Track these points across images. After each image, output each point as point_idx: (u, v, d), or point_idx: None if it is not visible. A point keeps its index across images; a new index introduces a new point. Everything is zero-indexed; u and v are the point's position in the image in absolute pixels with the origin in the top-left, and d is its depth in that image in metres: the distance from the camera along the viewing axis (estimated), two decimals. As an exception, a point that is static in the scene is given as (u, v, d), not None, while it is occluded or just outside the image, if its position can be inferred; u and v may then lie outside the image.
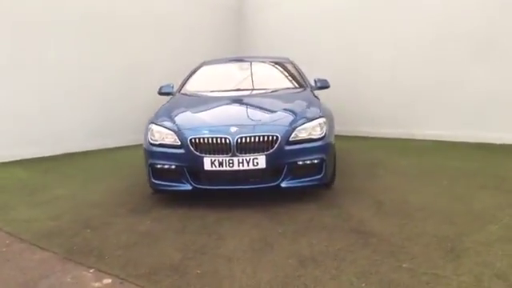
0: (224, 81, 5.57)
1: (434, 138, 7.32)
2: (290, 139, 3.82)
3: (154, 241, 3.17)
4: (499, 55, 6.63)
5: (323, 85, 5.56)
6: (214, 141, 3.73)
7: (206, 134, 3.80)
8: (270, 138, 3.73)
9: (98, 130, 7.78)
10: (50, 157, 6.93)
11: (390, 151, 6.63)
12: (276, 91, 5.05)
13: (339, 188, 4.45)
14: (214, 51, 8.99)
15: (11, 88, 6.65)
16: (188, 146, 3.78)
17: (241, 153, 3.70)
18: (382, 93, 8.17)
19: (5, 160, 6.46)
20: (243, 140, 3.70)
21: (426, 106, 7.57)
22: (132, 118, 7.88)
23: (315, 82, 5.57)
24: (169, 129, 4.01)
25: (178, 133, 3.91)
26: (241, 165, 3.70)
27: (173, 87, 5.50)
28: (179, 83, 5.64)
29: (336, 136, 8.32)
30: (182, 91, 5.37)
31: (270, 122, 3.96)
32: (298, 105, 4.37)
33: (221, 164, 3.71)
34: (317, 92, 5.89)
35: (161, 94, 5.52)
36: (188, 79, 5.69)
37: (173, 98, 5.15)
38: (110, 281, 2.56)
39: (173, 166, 3.90)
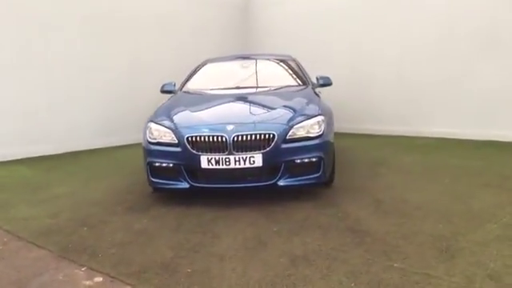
0: (225, 78, 5.57)
1: (441, 136, 7.23)
2: (288, 137, 3.80)
3: (149, 239, 3.18)
4: (506, 52, 6.52)
5: (325, 82, 5.53)
6: (211, 139, 3.72)
7: (202, 132, 3.80)
8: (267, 136, 3.71)
9: (102, 128, 7.82)
10: (54, 155, 6.98)
11: (394, 149, 6.56)
12: (277, 89, 5.03)
13: (339, 186, 4.42)
14: (220, 49, 8.97)
15: (17, 87, 6.72)
16: (185, 144, 3.78)
17: (237, 151, 3.69)
18: (389, 90, 8.09)
19: (9, 158, 6.53)
20: (239, 138, 3.69)
21: (433, 104, 7.48)
22: (136, 117, 7.85)
23: (317, 79, 5.54)
24: (167, 127, 4.01)
25: (176, 131, 3.91)
26: (237, 163, 3.69)
27: (175, 85, 5.52)
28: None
29: (342, 134, 8.35)
30: (184, 89, 5.38)
31: (267, 120, 3.94)
32: (297, 102, 4.34)
33: (217, 162, 3.70)
34: (321, 90, 5.88)
35: (163, 92, 5.54)
36: (190, 77, 5.70)
37: (173, 96, 5.16)
38: (100, 279, 2.57)
39: (170, 165, 3.91)
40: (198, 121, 4.05)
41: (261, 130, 3.74)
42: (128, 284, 2.48)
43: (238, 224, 3.42)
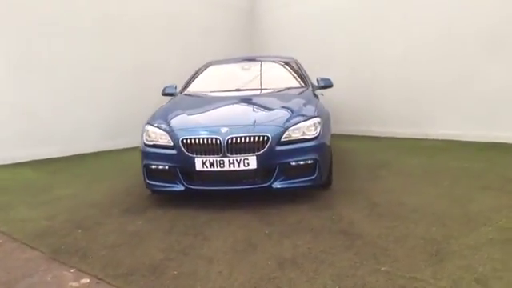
0: (226, 81, 5.58)
1: (447, 138, 7.15)
2: (282, 139, 3.79)
3: (141, 241, 3.20)
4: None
5: (326, 84, 5.51)
6: (205, 141, 3.73)
7: (197, 134, 3.81)
8: (261, 138, 3.71)
9: (109, 130, 7.88)
10: (61, 157, 7.07)
11: (398, 151, 6.50)
12: (276, 91, 5.02)
13: (337, 189, 4.39)
14: (226, 51, 8.99)
15: (24, 89, 6.81)
16: (180, 146, 3.80)
17: (231, 153, 3.69)
18: (395, 92, 8.01)
19: (16, 161, 6.63)
20: (234, 140, 3.69)
21: (439, 106, 7.39)
22: (143, 118, 7.83)
23: (317, 81, 5.52)
24: (163, 130, 4.03)
25: (171, 133, 3.93)
26: (232, 165, 3.69)
27: (176, 88, 5.55)
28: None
29: (347, 136, 8.31)
30: (185, 91, 5.41)
31: (262, 122, 3.92)
32: (294, 104, 4.33)
33: (212, 165, 3.71)
34: (324, 91, 5.86)
35: (164, 94, 5.57)
36: (191, 79, 5.73)
37: (173, 98, 5.19)
38: (88, 280, 2.59)
39: (166, 167, 3.92)
40: (194, 123, 4.06)
41: (255, 133, 3.74)
42: (114, 286, 2.49)
43: (230, 226, 3.42)
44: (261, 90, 5.14)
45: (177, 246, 3.05)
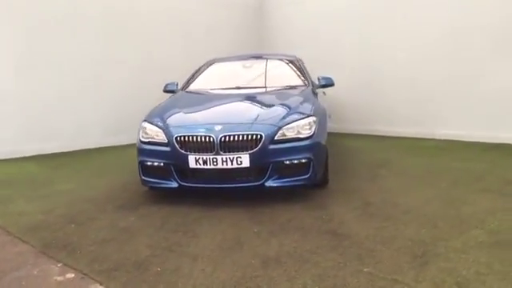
0: (227, 78, 5.59)
1: (451, 138, 7.05)
2: (276, 138, 3.78)
3: (130, 237, 3.22)
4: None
5: (327, 83, 5.48)
6: (199, 139, 3.74)
7: (191, 132, 3.82)
8: (254, 136, 3.71)
9: (113, 126, 7.93)
10: (66, 152, 7.15)
11: (401, 151, 6.44)
12: (275, 89, 5.01)
13: (333, 189, 4.37)
14: (233, 48, 8.96)
15: (29, 84, 6.90)
16: (174, 143, 3.82)
17: (225, 151, 3.69)
18: (401, 92, 7.92)
19: (23, 155, 6.73)
20: (227, 139, 3.69)
21: (445, 105, 7.28)
22: (147, 115, 7.99)
23: (319, 79, 5.49)
24: (159, 127, 4.06)
25: (166, 131, 3.95)
26: (224, 163, 3.70)
27: (177, 85, 5.57)
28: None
29: (351, 135, 8.26)
30: (186, 89, 5.42)
31: (257, 120, 3.91)
32: (291, 103, 4.32)
33: (205, 162, 3.72)
34: (326, 90, 5.84)
35: (166, 91, 5.61)
36: (193, 76, 5.74)
37: (172, 96, 5.21)
38: (72, 275, 2.62)
39: (161, 164, 3.95)
40: (189, 121, 4.08)
41: (248, 131, 3.74)
42: (97, 281, 2.52)
43: (221, 224, 3.43)
44: (261, 88, 5.15)
45: (164, 243, 3.07)
